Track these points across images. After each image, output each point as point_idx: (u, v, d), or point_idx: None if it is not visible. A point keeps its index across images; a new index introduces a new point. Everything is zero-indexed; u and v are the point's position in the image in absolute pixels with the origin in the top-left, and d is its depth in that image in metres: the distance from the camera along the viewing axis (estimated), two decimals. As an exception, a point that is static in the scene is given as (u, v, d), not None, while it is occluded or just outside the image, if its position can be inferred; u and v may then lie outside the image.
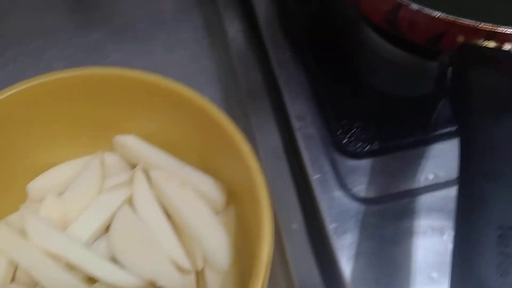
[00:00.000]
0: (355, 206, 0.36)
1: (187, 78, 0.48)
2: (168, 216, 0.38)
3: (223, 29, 0.48)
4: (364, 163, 0.39)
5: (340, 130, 0.39)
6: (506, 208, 0.28)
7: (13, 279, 0.36)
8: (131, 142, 0.41)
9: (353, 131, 0.39)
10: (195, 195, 0.38)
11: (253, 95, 0.43)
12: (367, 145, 0.39)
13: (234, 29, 0.46)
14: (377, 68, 0.43)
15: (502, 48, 0.33)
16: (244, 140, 0.35)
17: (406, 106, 0.40)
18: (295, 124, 0.39)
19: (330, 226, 0.35)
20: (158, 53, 0.51)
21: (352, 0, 0.35)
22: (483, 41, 0.33)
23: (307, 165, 0.38)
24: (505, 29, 0.32)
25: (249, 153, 0.34)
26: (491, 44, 0.33)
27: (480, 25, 0.32)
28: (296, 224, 0.37)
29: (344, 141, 0.39)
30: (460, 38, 0.33)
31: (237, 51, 0.46)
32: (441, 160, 0.38)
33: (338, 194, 0.37)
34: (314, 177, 0.37)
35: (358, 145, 0.39)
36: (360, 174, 0.38)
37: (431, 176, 0.38)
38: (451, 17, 0.33)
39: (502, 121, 0.29)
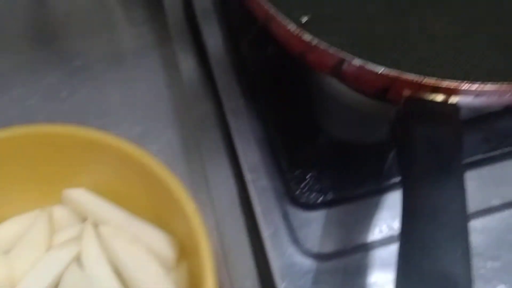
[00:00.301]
0: (307, 263, 0.36)
1: (145, 120, 0.48)
2: (118, 273, 0.37)
3: (180, 73, 0.47)
4: (318, 215, 0.38)
5: (294, 181, 0.39)
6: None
7: None
8: (80, 196, 0.40)
9: (306, 181, 0.39)
10: (145, 251, 0.37)
11: (209, 142, 0.42)
12: (321, 196, 0.38)
13: (189, 72, 0.46)
14: (334, 114, 0.42)
15: (449, 102, 0.32)
16: (188, 198, 0.34)
17: (360, 154, 0.40)
18: (248, 176, 0.39)
19: (282, 286, 0.34)
20: (116, 95, 0.50)
21: (299, 53, 0.35)
22: (429, 94, 0.32)
23: (260, 220, 0.37)
24: (451, 83, 0.32)
25: (192, 213, 0.33)
26: (438, 97, 0.32)
27: (424, 80, 0.32)
28: (250, 282, 0.36)
29: (297, 192, 0.38)
30: (406, 92, 0.33)
31: (194, 96, 0.45)
32: (395, 210, 0.37)
33: (290, 250, 0.36)
34: (266, 233, 0.36)
35: (312, 196, 0.38)
36: (314, 227, 0.37)
37: (385, 228, 0.37)
38: (394, 73, 0.32)
39: (442, 183, 0.29)
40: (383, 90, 0.34)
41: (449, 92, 0.32)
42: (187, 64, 0.47)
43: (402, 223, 0.29)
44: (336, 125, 0.42)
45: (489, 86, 0.32)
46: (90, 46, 0.53)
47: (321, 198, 0.38)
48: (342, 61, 0.33)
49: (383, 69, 0.32)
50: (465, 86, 0.32)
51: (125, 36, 0.54)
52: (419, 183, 0.29)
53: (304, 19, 0.41)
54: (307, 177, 0.39)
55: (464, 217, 0.28)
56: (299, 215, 0.38)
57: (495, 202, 0.39)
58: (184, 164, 0.46)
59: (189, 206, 0.34)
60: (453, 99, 0.32)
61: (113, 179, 0.39)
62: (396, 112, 0.34)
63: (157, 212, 0.39)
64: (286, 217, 0.37)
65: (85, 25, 0.55)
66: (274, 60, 0.39)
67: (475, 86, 0.32)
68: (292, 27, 0.34)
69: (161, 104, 0.50)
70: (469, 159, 0.40)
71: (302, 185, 0.38)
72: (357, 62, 0.32)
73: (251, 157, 0.40)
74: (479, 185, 0.39)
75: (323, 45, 0.33)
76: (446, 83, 0.32)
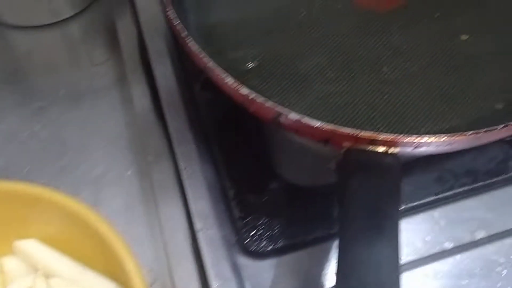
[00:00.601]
0: (258, 315, 0.35)
1: (105, 159, 0.48)
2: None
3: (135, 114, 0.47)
4: (269, 264, 0.37)
5: (244, 229, 0.38)
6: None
7: None
8: (31, 247, 0.40)
9: (257, 229, 0.38)
10: (96, 303, 0.37)
11: (163, 186, 0.42)
12: (271, 244, 0.38)
13: (144, 114, 0.45)
14: (287, 157, 0.41)
15: (389, 152, 0.32)
16: (129, 256, 0.34)
17: (312, 198, 0.39)
18: (197, 224, 0.38)
19: None
20: (76, 135, 0.50)
21: (242, 104, 0.34)
22: (368, 146, 0.32)
23: (209, 272, 0.36)
24: (387, 136, 0.31)
25: (132, 271, 0.33)
26: (377, 148, 0.32)
27: (360, 134, 0.31)
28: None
29: (248, 241, 0.38)
30: (345, 143, 0.32)
31: (148, 138, 0.45)
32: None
33: (240, 305, 0.35)
34: (215, 285, 0.36)
35: (262, 245, 0.38)
36: (265, 276, 0.37)
37: (336, 276, 0.36)
38: (330, 127, 0.32)
39: (376, 242, 0.28)
40: (324, 141, 0.33)
41: (387, 144, 0.32)
42: (142, 104, 0.46)
43: (336, 281, 0.28)
44: (289, 168, 0.41)
45: (427, 138, 0.31)
46: (51, 86, 0.53)
47: (271, 246, 0.38)
48: (279, 114, 0.33)
49: (319, 123, 0.32)
50: (402, 138, 0.31)
51: (85, 75, 0.54)
52: (352, 240, 0.29)
53: (251, 65, 0.40)
54: (258, 224, 0.38)
55: (396, 278, 0.27)
56: (250, 265, 0.37)
57: (448, 245, 0.38)
58: (142, 206, 0.45)
59: (130, 265, 0.33)
60: (392, 150, 0.32)
61: (63, 231, 0.39)
62: (337, 162, 0.33)
63: (107, 265, 0.38)
64: (236, 268, 0.37)
65: (45, 65, 0.55)
66: (226, 104, 0.39)
67: (412, 138, 0.31)
68: (229, 80, 0.34)
69: (121, 143, 0.49)
70: (422, 200, 0.40)
71: (253, 233, 0.38)
72: (293, 116, 0.32)
73: (201, 204, 0.39)
74: (431, 227, 0.39)
75: (260, 99, 0.33)
76: (382, 136, 0.31)
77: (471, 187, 0.40)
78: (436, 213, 0.39)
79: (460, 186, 0.40)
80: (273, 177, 0.41)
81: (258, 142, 0.42)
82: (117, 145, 0.49)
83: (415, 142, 0.31)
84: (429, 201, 0.40)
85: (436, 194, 0.40)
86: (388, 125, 0.38)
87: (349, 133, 0.31)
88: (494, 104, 0.38)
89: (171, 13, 0.36)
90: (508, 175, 0.41)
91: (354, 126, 0.37)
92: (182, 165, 0.41)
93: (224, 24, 0.42)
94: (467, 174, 0.41)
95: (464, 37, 0.41)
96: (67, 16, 0.57)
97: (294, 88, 0.39)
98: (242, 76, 0.40)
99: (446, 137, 0.31)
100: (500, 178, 0.41)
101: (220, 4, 0.43)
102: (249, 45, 0.41)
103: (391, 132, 0.36)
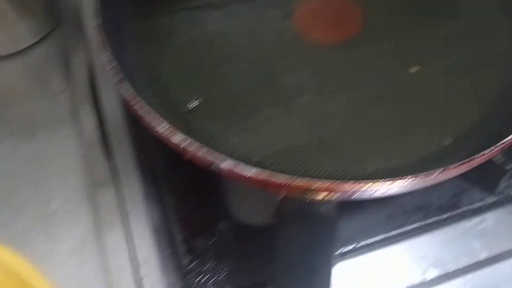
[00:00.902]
0: None
1: (61, 194, 0.46)
2: None
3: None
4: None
5: (190, 274, 0.37)
6: None
7: None
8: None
9: (204, 274, 0.37)
10: None
11: (110, 227, 0.41)
12: (218, 289, 0.37)
13: (92, 149, 0.45)
14: (234, 196, 0.40)
15: (325, 199, 0.31)
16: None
17: (261, 239, 0.38)
18: (141, 271, 0.37)
19: None
20: (30, 169, 0.49)
21: (175, 151, 0.33)
22: (303, 194, 0.31)
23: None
24: (322, 184, 0.30)
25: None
26: (313, 196, 0.31)
27: (294, 183, 0.30)
28: None
29: None
30: (281, 191, 0.31)
31: (97, 177, 0.44)
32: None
33: None
34: None
35: (208, 290, 0.37)
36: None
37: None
38: (263, 176, 0.31)
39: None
40: (261, 188, 0.32)
41: (323, 191, 0.31)
42: (90, 140, 0.46)
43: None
44: (238, 208, 0.40)
45: (361, 185, 0.30)
46: (4, 120, 0.52)
47: (218, 292, 0.37)
48: (210, 163, 0.32)
49: (251, 172, 0.31)
50: (338, 186, 0.30)
51: (41, 106, 0.53)
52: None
53: (196, 103, 0.39)
54: (204, 269, 0.37)
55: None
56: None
57: (398, 286, 0.37)
58: (96, 244, 0.44)
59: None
60: (329, 197, 0.31)
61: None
62: (274, 209, 0.32)
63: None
64: (180, 315, 0.36)
65: (1, 96, 0.54)
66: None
67: (348, 186, 0.30)
68: (161, 128, 0.32)
69: (76, 178, 0.48)
70: (372, 239, 0.39)
71: (198, 279, 0.37)
72: (225, 165, 0.31)
73: (146, 249, 0.38)
74: (381, 267, 0.38)
75: (192, 148, 0.32)
76: (317, 184, 0.30)
77: (422, 223, 0.39)
78: (386, 252, 0.38)
79: (412, 223, 0.39)
80: (222, 217, 0.40)
81: (206, 182, 0.41)
82: (72, 179, 0.48)
83: (350, 190, 0.30)
84: (379, 239, 0.39)
85: (386, 232, 0.39)
86: (334, 163, 0.37)
87: (282, 182, 0.30)
88: (442, 139, 0.37)
89: (107, 55, 0.35)
90: (461, 209, 0.40)
91: (299, 166, 0.37)
92: (127, 207, 0.40)
93: (167, 62, 0.41)
94: (419, 210, 0.40)
95: (414, 69, 0.40)
96: (26, 46, 0.56)
97: (238, 126, 0.39)
98: (185, 116, 0.39)
99: (382, 182, 0.30)
100: (453, 213, 0.40)
101: (162, 43, 0.42)
102: (193, 83, 0.40)
103: (332, 175, 0.36)
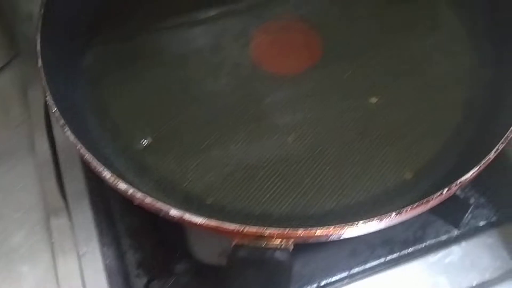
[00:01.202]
0: None
1: (21, 229, 0.45)
2: None
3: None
4: None
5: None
6: None
7: None
8: None
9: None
10: None
11: (66, 270, 0.39)
12: None
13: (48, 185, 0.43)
14: (193, 237, 0.39)
15: (279, 246, 0.30)
16: None
17: (219, 280, 0.37)
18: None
19: None
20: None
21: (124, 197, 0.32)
22: (256, 241, 0.30)
23: None
24: (273, 231, 0.29)
25: None
26: (265, 243, 0.30)
27: (245, 230, 0.29)
28: None
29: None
30: (234, 238, 0.30)
31: (52, 215, 0.42)
32: None
33: None
34: None
35: None
36: None
37: None
38: (214, 223, 0.29)
39: None
40: (214, 232, 0.31)
41: (276, 237, 0.30)
42: (46, 177, 0.44)
43: None
44: (195, 248, 0.39)
45: (313, 232, 0.29)
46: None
47: None
48: (160, 210, 0.30)
49: (201, 219, 0.30)
50: (290, 233, 0.29)
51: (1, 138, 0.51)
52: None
53: (149, 141, 0.38)
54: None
55: None
56: None
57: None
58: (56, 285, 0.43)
59: None
60: (283, 244, 0.30)
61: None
62: (228, 254, 0.31)
63: None
64: None
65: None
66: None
67: (300, 232, 0.29)
68: (107, 174, 0.31)
69: (36, 213, 0.47)
70: (334, 277, 0.37)
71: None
72: (173, 213, 0.30)
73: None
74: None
75: (139, 195, 0.30)
76: (269, 231, 0.29)
77: (387, 258, 0.38)
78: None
79: (376, 258, 0.38)
80: (181, 258, 0.38)
81: (164, 222, 0.39)
82: (33, 213, 0.47)
83: (304, 237, 0.29)
84: (343, 277, 0.38)
85: (349, 269, 0.38)
86: (294, 200, 0.36)
87: (233, 229, 0.29)
88: (403, 174, 0.36)
89: (49, 99, 0.34)
90: (427, 243, 0.39)
91: (257, 205, 0.36)
92: (80, 250, 0.39)
93: (119, 98, 0.40)
94: (384, 244, 0.39)
95: (373, 100, 0.39)
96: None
97: (194, 163, 0.37)
98: (140, 153, 0.38)
99: (333, 228, 0.29)
100: (418, 247, 0.39)
101: (112, 77, 0.41)
102: (146, 118, 0.39)
103: (292, 212, 0.35)
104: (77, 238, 0.39)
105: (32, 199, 0.47)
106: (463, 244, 0.39)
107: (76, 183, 0.41)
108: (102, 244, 0.39)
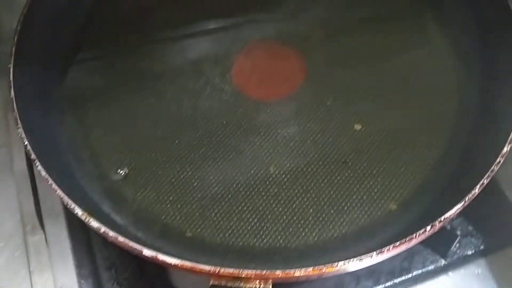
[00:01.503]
0: None
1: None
2: None
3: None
4: None
5: None
6: None
7: None
8: None
9: None
10: None
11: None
12: None
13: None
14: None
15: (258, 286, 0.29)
16: None
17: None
18: None
19: None
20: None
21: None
22: (233, 282, 0.29)
23: None
24: (250, 272, 0.28)
25: None
26: (245, 283, 0.29)
27: (221, 271, 0.28)
28: None
29: None
30: (210, 279, 0.29)
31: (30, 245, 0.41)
32: None
33: None
34: None
35: None
36: None
37: None
38: (189, 264, 0.28)
39: None
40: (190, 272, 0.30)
41: (254, 278, 0.29)
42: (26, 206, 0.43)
43: None
44: (175, 279, 0.38)
45: (293, 272, 0.28)
46: None
47: None
48: (133, 250, 0.29)
49: (175, 260, 0.28)
50: (267, 274, 0.28)
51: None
52: None
53: (126, 171, 0.37)
54: None
55: None
56: None
57: None
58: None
59: None
60: (261, 284, 0.29)
61: None
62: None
63: None
64: None
65: None
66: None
67: (277, 274, 0.28)
68: (79, 211, 0.30)
69: (17, 244, 0.45)
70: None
71: None
72: (147, 253, 0.29)
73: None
74: None
75: (111, 234, 0.29)
76: (246, 273, 0.28)
77: (373, 290, 0.37)
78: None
79: (362, 291, 0.37)
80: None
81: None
82: (14, 245, 0.45)
83: (282, 277, 0.28)
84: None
85: (335, 303, 0.37)
86: (275, 232, 0.35)
87: (209, 270, 0.28)
88: (387, 205, 0.35)
89: (21, 131, 0.33)
90: (414, 273, 0.38)
91: (238, 238, 0.35)
92: (58, 281, 0.37)
93: (96, 129, 0.39)
94: (369, 275, 0.38)
95: (357, 126, 0.38)
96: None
97: (172, 195, 0.36)
98: (118, 183, 0.37)
99: (312, 269, 0.28)
100: (404, 277, 0.38)
101: (90, 106, 0.40)
102: (124, 148, 0.38)
103: (274, 245, 0.34)
104: (54, 270, 0.38)
105: (15, 227, 0.46)
106: (451, 274, 0.38)
107: (54, 214, 0.40)
108: (80, 276, 0.38)
